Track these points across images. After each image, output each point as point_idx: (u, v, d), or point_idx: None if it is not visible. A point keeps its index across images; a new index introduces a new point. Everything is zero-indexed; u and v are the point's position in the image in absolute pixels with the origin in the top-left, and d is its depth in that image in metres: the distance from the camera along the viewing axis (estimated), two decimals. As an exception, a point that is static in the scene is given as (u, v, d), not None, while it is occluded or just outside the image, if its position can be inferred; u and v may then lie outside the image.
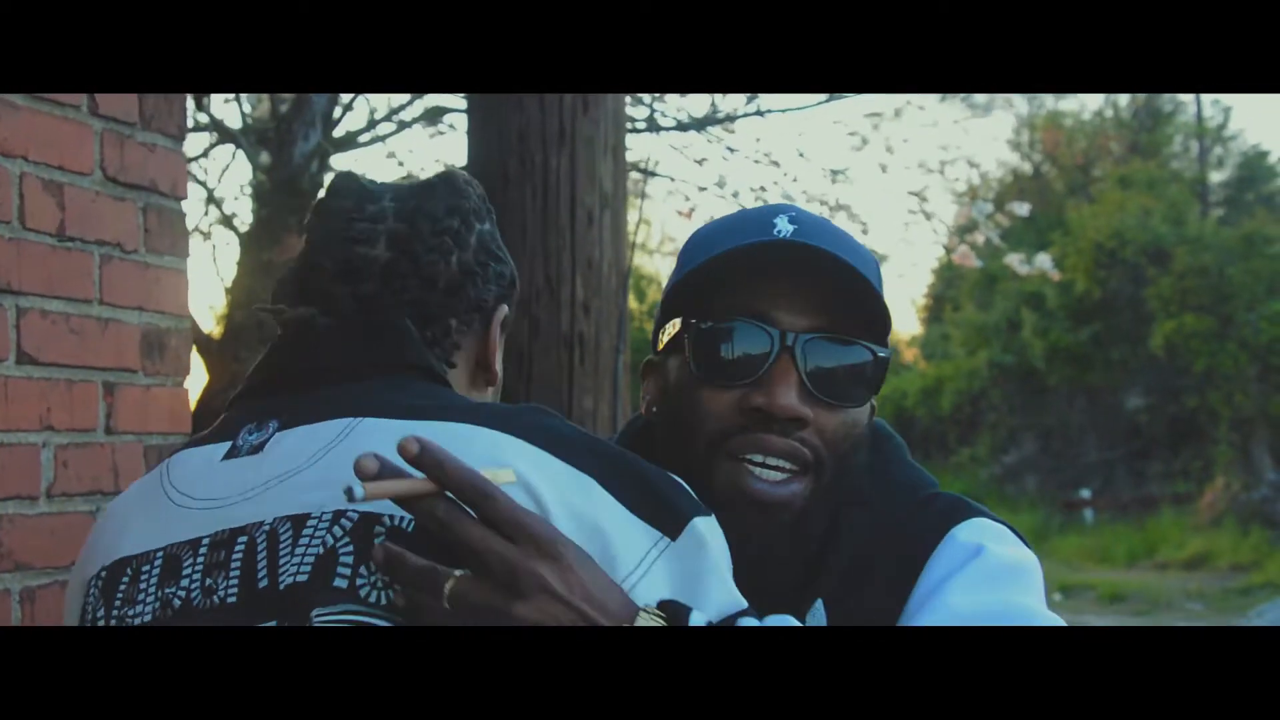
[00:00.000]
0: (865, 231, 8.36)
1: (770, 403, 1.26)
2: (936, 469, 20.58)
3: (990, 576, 1.29)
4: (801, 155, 8.24)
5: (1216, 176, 22.99)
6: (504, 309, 1.33)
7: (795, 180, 8.41)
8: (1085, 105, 23.97)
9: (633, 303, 29.83)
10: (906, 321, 25.74)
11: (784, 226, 1.30)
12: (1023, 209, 7.81)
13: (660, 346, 1.39)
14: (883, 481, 1.39)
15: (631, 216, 5.06)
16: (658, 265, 29.39)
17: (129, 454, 2.28)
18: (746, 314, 1.28)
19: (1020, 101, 21.69)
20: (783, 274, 1.28)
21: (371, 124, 7.43)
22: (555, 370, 3.74)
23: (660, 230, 24.72)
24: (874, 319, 1.29)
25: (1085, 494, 17.95)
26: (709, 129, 7.88)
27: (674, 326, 1.35)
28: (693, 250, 1.37)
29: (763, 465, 1.28)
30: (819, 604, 1.32)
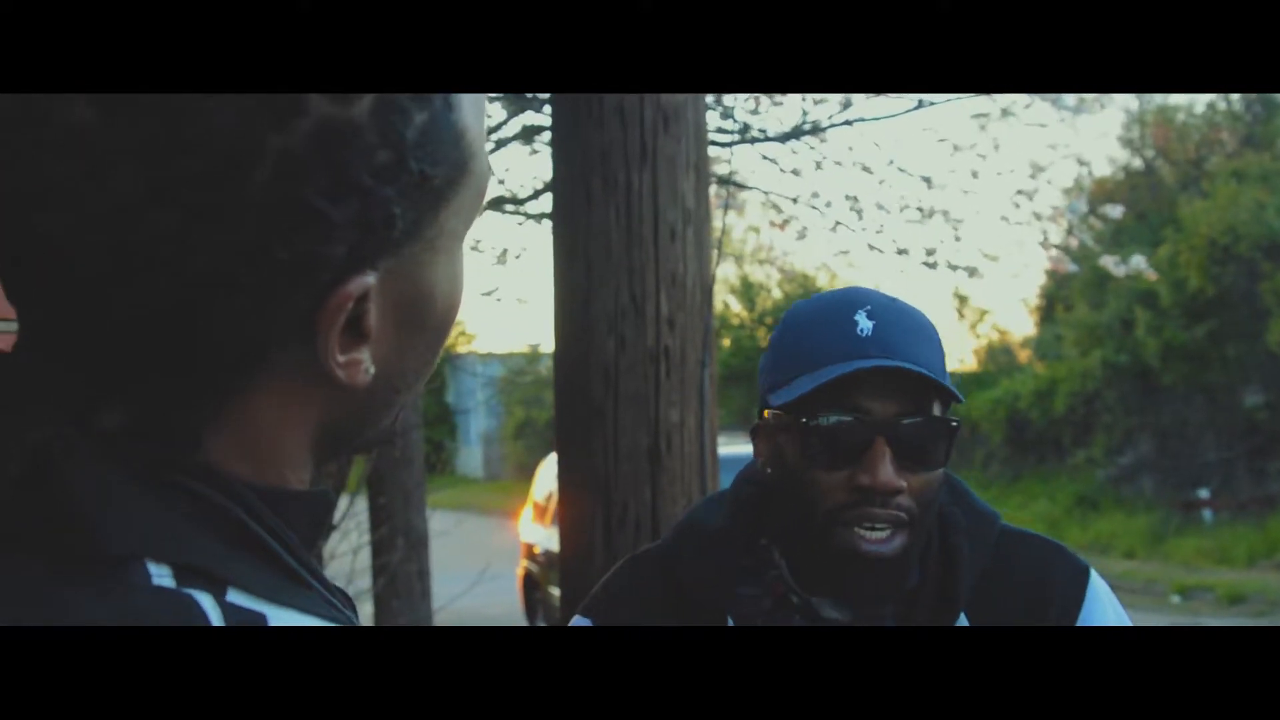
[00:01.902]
0: (958, 238, 8.35)
1: (874, 481, 1.55)
2: (1051, 472, 20.35)
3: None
4: (891, 163, 8.24)
5: (1334, 167, 22.50)
6: None
7: (890, 188, 8.41)
8: (1196, 99, 23.61)
9: (742, 311, 29.86)
10: (1019, 323, 25.49)
11: (864, 324, 1.59)
12: (1115, 210, 7.75)
13: (765, 415, 1.69)
14: (970, 512, 1.74)
15: (723, 227, 5.09)
16: (759, 274, 29.33)
17: None
18: (845, 409, 1.58)
19: (1129, 97, 21.38)
20: (870, 379, 1.57)
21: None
22: (642, 385, 3.79)
23: (756, 240, 24.73)
24: (942, 399, 1.61)
25: (1203, 494, 17.64)
26: (801, 139, 7.89)
27: (780, 415, 1.64)
28: (787, 352, 1.66)
29: (871, 529, 1.57)
30: (963, 616, 1.64)
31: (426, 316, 0.86)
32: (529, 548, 12.43)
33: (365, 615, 8.82)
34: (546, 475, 12.09)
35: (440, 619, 9.39)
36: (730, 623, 1.65)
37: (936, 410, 1.61)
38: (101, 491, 0.76)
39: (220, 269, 0.75)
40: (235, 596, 0.76)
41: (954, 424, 1.62)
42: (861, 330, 1.59)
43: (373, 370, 0.82)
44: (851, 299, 1.63)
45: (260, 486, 0.82)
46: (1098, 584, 1.70)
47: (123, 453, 0.78)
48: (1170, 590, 14.17)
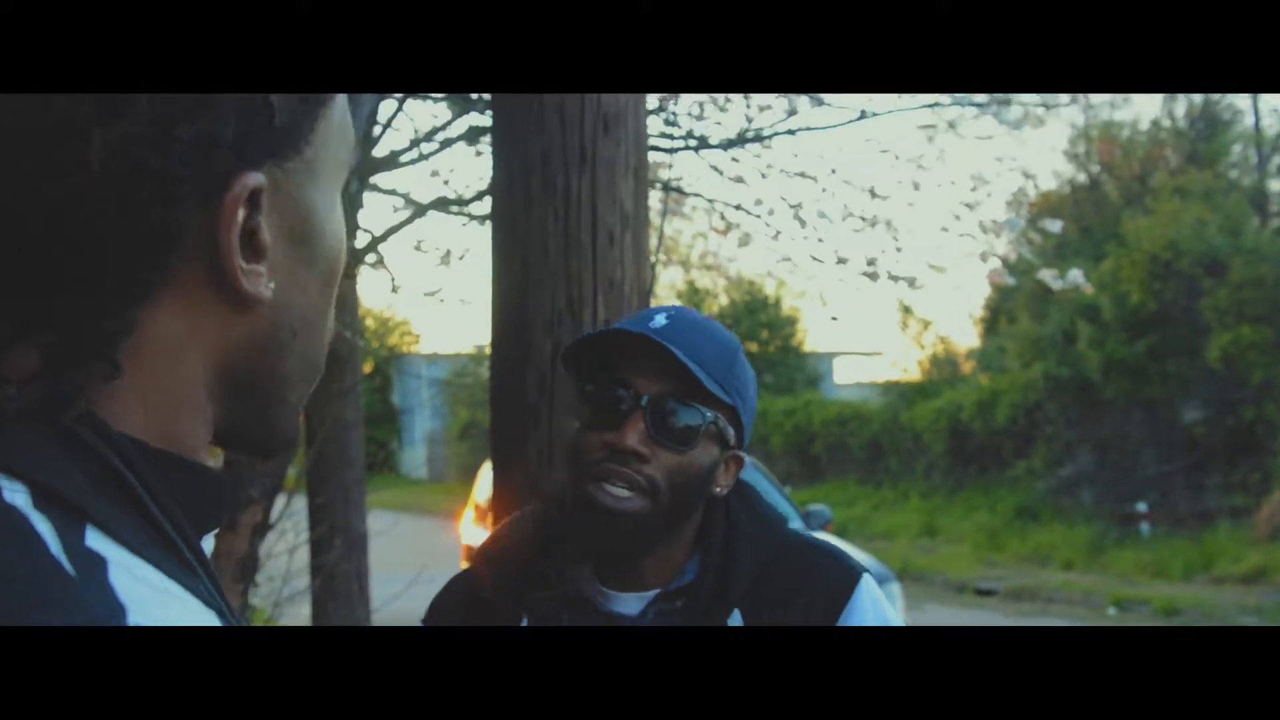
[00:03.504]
0: (899, 248, 8.38)
1: (618, 440, 1.73)
2: (992, 482, 20.48)
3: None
4: (834, 172, 8.27)
5: (1275, 186, 22.73)
6: None
7: (834, 197, 8.45)
8: (1141, 115, 23.80)
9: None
10: (963, 334, 25.65)
11: (659, 320, 1.78)
12: (1055, 225, 7.81)
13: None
14: (753, 517, 1.86)
15: (662, 232, 5.10)
16: (705, 280, 29.35)
17: None
18: (615, 380, 1.77)
19: (1075, 112, 21.54)
20: (646, 354, 1.75)
21: (414, 143, 7.50)
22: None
23: (702, 246, 24.75)
24: (719, 405, 1.77)
25: (1141, 507, 17.79)
26: (745, 147, 7.91)
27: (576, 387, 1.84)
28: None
29: (612, 485, 1.73)
30: (736, 612, 1.75)
31: (315, 247, 0.92)
32: (469, 549, 12.41)
33: (302, 615, 8.77)
34: (488, 477, 12.06)
35: (378, 619, 9.35)
36: (525, 623, 1.80)
37: (709, 408, 1.77)
38: None
39: (120, 159, 0.79)
40: (91, 534, 0.77)
41: (709, 415, 1.77)
42: (654, 324, 1.77)
43: (273, 286, 0.88)
44: (664, 308, 1.82)
45: (152, 449, 0.84)
46: (865, 591, 1.80)
47: (19, 404, 0.80)
48: (1108, 602, 14.29)
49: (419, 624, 1.94)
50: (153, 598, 0.78)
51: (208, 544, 0.91)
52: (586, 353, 1.83)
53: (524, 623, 1.79)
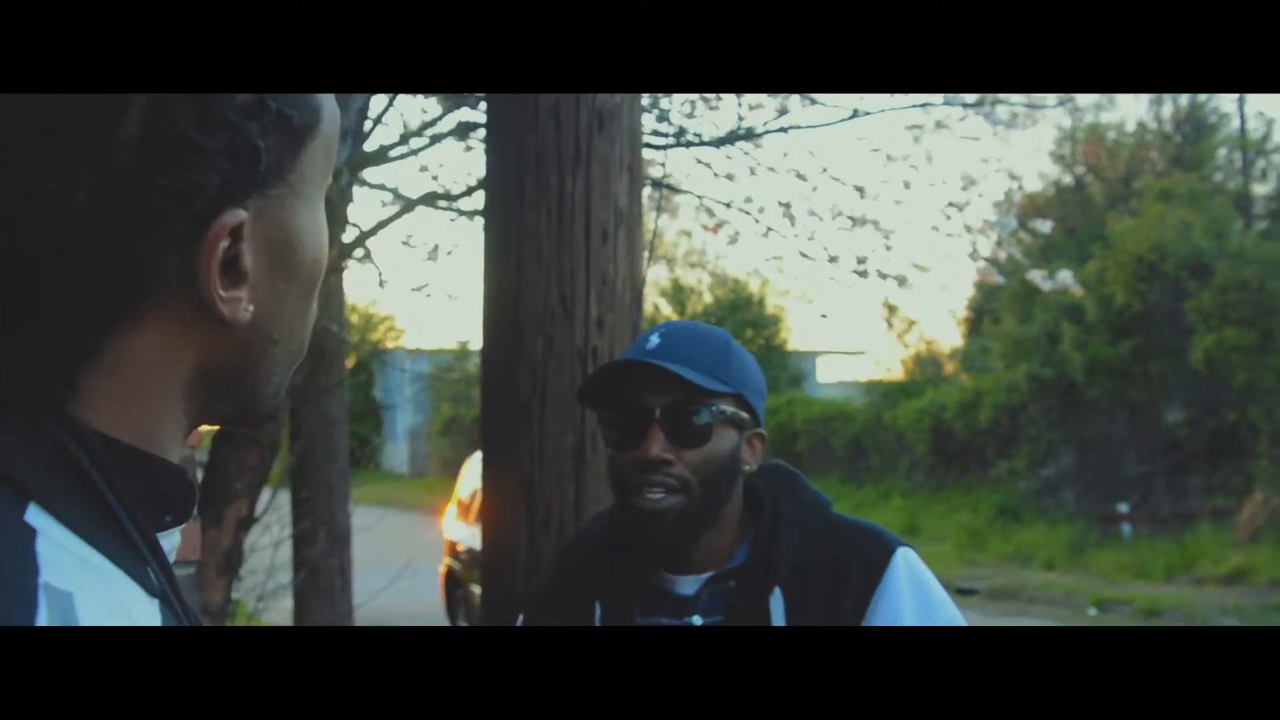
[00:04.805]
0: (889, 247, 8.38)
1: (645, 454, 1.93)
2: (974, 482, 20.51)
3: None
4: (825, 171, 8.27)
5: (1260, 189, 22.81)
6: None
7: (823, 195, 8.45)
8: (1127, 117, 23.85)
9: (673, 314, 29.86)
10: (947, 334, 25.68)
11: (654, 340, 1.98)
12: (1044, 225, 7.83)
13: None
14: (796, 502, 2.04)
15: (655, 230, 5.09)
16: (691, 277, 29.36)
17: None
18: (626, 402, 1.96)
19: (1061, 114, 21.58)
20: (643, 372, 1.95)
21: (404, 138, 7.48)
22: (569, 385, 3.78)
23: (688, 243, 24.77)
24: (706, 391, 1.94)
25: (1123, 508, 17.82)
26: (735, 145, 7.91)
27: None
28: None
29: (650, 492, 1.93)
30: (778, 590, 1.92)
31: (296, 263, 0.94)
32: (452, 545, 12.39)
33: (284, 610, 8.75)
34: (471, 473, 12.06)
35: (360, 615, 9.33)
36: (597, 608, 2.01)
37: (715, 403, 1.96)
38: None
39: (104, 202, 0.82)
40: (32, 511, 0.82)
41: (715, 409, 1.96)
42: (649, 344, 1.98)
43: (252, 309, 0.90)
44: (656, 328, 2.02)
45: (121, 445, 0.87)
46: (901, 561, 1.95)
47: None
48: (1089, 602, 14.32)
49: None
50: (77, 568, 0.81)
51: (170, 539, 0.93)
52: (598, 388, 2.04)
53: (596, 606, 2.02)
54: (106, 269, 0.84)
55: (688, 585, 2.01)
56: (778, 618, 1.91)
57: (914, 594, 1.93)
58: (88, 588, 0.80)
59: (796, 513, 2.03)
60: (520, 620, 2.20)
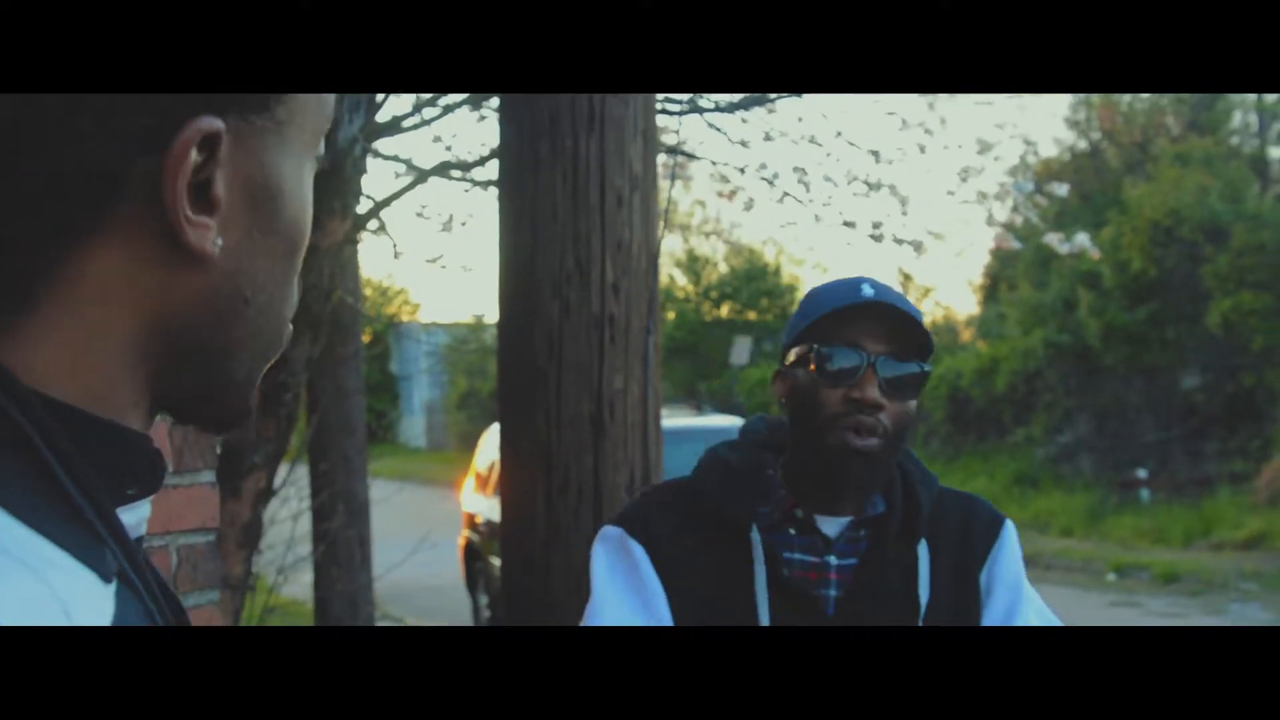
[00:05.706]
0: (905, 212, 8.37)
1: (863, 395, 2.01)
2: (991, 449, 20.50)
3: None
4: (840, 136, 8.24)
5: (1276, 153, 22.69)
6: None
7: (838, 161, 8.42)
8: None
9: (688, 285, 29.86)
10: (963, 301, 25.60)
11: (868, 290, 2.05)
12: (1061, 189, 7.80)
13: (787, 362, 2.14)
14: (919, 468, 2.21)
15: (669, 195, 5.08)
16: (706, 247, 29.29)
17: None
18: (847, 343, 2.05)
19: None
20: (866, 319, 2.05)
21: (417, 108, 7.45)
22: (586, 351, 3.78)
23: (702, 213, 24.72)
24: (922, 345, 2.07)
25: (1141, 474, 17.80)
26: (749, 110, 7.87)
27: (800, 350, 2.10)
28: (810, 305, 2.14)
29: (857, 432, 2.02)
30: (924, 541, 2.12)
31: (275, 213, 0.84)
32: (470, 517, 12.40)
33: (304, 583, 8.78)
34: (489, 445, 12.06)
35: (379, 587, 9.36)
36: (755, 534, 2.09)
37: (924, 362, 2.08)
38: None
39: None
40: None
41: (926, 369, 2.09)
42: (864, 293, 2.06)
43: (221, 243, 0.79)
44: (860, 278, 2.10)
45: (68, 406, 0.77)
46: (1009, 531, 2.20)
47: None
48: (1107, 568, 14.32)
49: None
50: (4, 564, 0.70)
51: (135, 513, 0.83)
52: (819, 326, 2.10)
53: (754, 530, 2.10)
54: (62, 167, 0.74)
55: (831, 526, 2.12)
56: (924, 566, 2.10)
57: (1015, 560, 2.18)
58: (43, 578, 0.70)
59: (922, 475, 2.19)
60: (652, 528, 2.13)
